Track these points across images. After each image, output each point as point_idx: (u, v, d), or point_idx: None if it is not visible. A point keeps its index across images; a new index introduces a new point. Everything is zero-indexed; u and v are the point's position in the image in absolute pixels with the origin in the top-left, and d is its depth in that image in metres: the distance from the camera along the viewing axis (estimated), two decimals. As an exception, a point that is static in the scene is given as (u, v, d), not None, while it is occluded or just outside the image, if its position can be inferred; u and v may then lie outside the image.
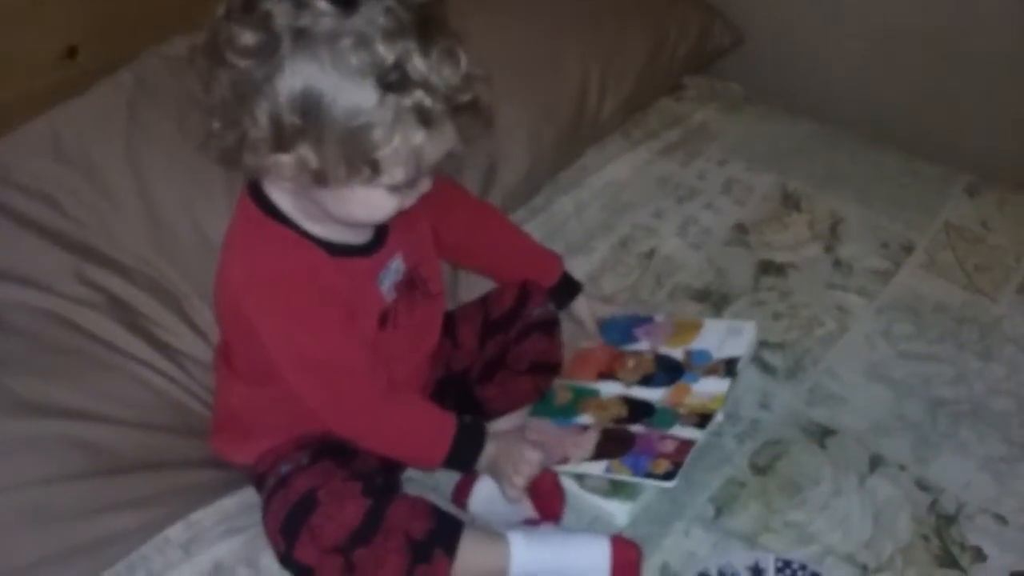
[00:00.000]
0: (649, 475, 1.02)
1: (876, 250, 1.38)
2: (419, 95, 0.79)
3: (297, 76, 0.79)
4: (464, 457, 1.01)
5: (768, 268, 1.36)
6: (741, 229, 1.43)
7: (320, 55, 0.78)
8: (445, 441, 0.99)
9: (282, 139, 0.82)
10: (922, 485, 1.08)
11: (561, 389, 1.19)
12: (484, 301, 1.20)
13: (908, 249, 1.38)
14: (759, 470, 1.10)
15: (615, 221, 1.45)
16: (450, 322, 1.16)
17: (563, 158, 1.49)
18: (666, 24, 1.63)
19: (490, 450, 1.01)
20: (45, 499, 0.98)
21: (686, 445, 1.03)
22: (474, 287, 1.25)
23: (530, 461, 1.00)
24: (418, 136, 0.81)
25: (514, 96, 1.41)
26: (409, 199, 0.90)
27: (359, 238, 0.97)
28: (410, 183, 0.87)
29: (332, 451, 0.99)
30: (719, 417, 1.08)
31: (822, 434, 1.14)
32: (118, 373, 1.08)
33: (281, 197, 0.92)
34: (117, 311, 1.11)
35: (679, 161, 1.55)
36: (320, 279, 0.92)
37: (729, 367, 1.13)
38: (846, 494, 1.08)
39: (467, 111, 0.85)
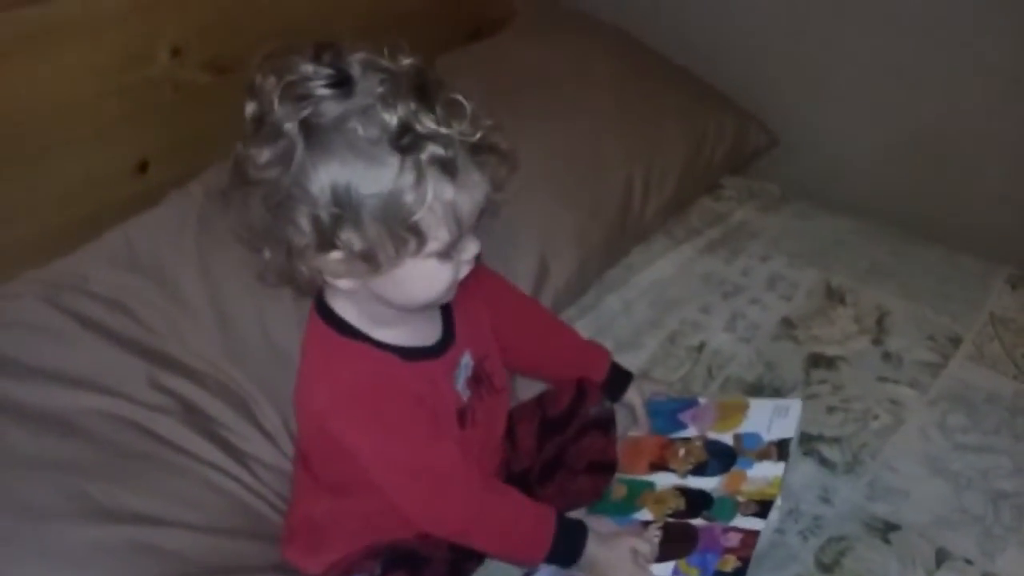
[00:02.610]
0: (717, 574, 1.02)
1: (923, 342, 1.40)
2: (433, 148, 0.82)
3: (320, 170, 0.82)
4: (567, 551, 1.01)
5: (818, 361, 1.38)
6: (788, 324, 1.45)
7: (334, 143, 0.82)
8: (548, 534, 1.00)
9: (324, 235, 0.84)
10: (989, 579, 1.08)
11: (615, 484, 1.20)
12: (541, 400, 1.22)
13: (955, 341, 1.39)
14: (826, 568, 1.10)
15: (663, 317, 1.48)
16: (508, 423, 1.18)
17: (610, 257, 1.53)
18: (703, 127, 1.68)
19: (592, 549, 1.01)
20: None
21: (750, 537, 1.04)
22: (531, 385, 1.28)
23: (642, 557, 1.02)
24: (448, 190, 0.84)
25: (562, 197, 1.46)
26: (464, 267, 0.92)
27: (429, 339, 1.00)
28: (455, 243, 0.88)
29: (403, 560, 1.00)
30: (778, 502, 1.08)
31: (886, 529, 1.14)
32: (190, 477, 1.10)
33: (347, 309, 0.95)
34: (189, 416, 1.14)
35: (722, 258, 1.59)
36: (401, 386, 0.95)
37: (781, 449, 1.14)
38: (914, 590, 1.07)
39: (487, 154, 0.87)
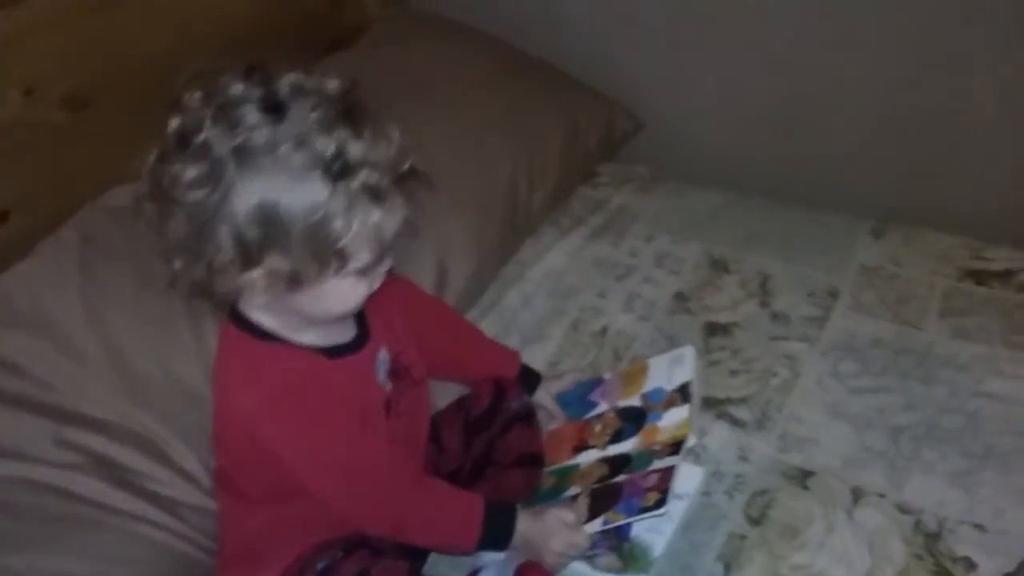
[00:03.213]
0: (642, 510, 1.07)
1: (805, 299, 1.48)
2: (364, 175, 0.83)
3: (249, 192, 0.82)
4: (498, 536, 1.03)
5: (714, 330, 1.44)
6: (681, 297, 1.51)
7: (265, 166, 0.81)
8: (477, 521, 1.02)
9: (249, 255, 0.84)
10: (903, 509, 1.15)
11: (544, 476, 1.22)
12: (462, 403, 1.24)
13: (834, 294, 1.49)
14: (755, 521, 1.16)
15: (563, 306, 1.51)
16: (433, 427, 1.19)
17: (504, 253, 1.56)
18: (575, 118, 1.72)
19: (522, 527, 1.03)
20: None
21: (667, 472, 1.10)
22: (448, 390, 1.28)
23: (570, 523, 1.05)
24: (375, 214, 0.85)
25: (453, 200, 1.46)
26: (377, 280, 0.94)
27: (344, 337, 1.00)
28: (376, 262, 0.90)
29: (363, 544, 1.00)
30: (691, 441, 1.15)
31: (802, 476, 1.21)
32: (113, 532, 1.05)
33: (263, 317, 0.94)
34: (102, 469, 1.09)
35: (609, 243, 1.64)
36: (329, 383, 0.95)
37: (684, 393, 1.21)
38: (838, 529, 1.14)
39: (409, 179, 0.89)
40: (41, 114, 1.34)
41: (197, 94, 0.83)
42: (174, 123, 0.84)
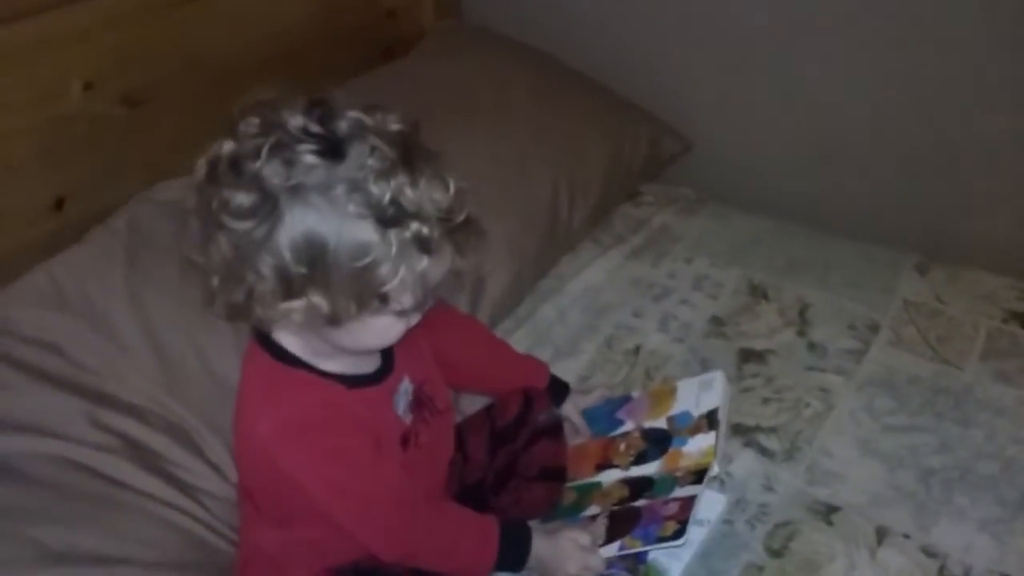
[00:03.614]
0: (660, 539, 1.06)
1: (845, 331, 1.47)
2: (416, 226, 0.82)
3: (297, 227, 0.81)
4: (514, 558, 1.03)
5: (749, 356, 1.43)
6: (717, 321, 1.50)
7: (317, 204, 0.81)
8: (492, 546, 1.02)
9: (290, 288, 0.83)
10: (928, 552, 1.13)
11: (565, 491, 1.22)
12: (489, 412, 1.24)
13: (874, 328, 1.47)
14: (775, 553, 1.14)
15: (598, 323, 1.51)
16: (458, 436, 1.19)
17: (542, 267, 1.56)
18: (621, 136, 1.73)
19: (537, 549, 1.04)
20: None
21: (687, 501, 1.08)
22: (476, 400, 1.29)
23: (585, 546, 1.04)
24: (421, 263, 0.84)
25: (491, 211, 1.45)
26: (415, 318, 0.93)
27: (368, 367, 1.00)
28: (417, 307, 0.90)
29: (377, 570, 1.00)
30: (714, 469, 1.13)
31: (827, 511, 1.19)
32: (140, 515, 1.07)
33: (291, 341, 0.94)
34: (134, 453, 1.11)
35: (649, 263, 1.63)
36: (347, 413, 0.94)
37: (711, 420, 1.19)
38: (860, 568, 1.12)
39: (461, 228, 0.88)
40: (100, 108, 1.38)
41: (255, 122, 0.83)
42: (228, 146, 0.83)
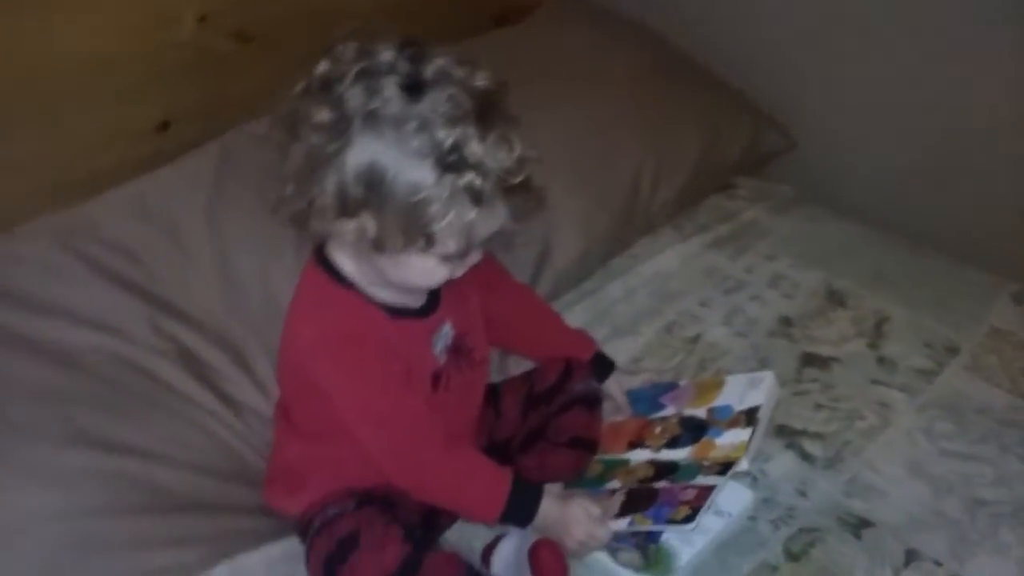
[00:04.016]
0: (669, 522, 1.05)
1: (920, 350, 1.40)
2: (472, 176, 0.86)
3: (364, 152, 0.86)
4: (521, 513, 1.04)
5: (811, 360, 1.39)
6: (786, 322, 1.46)
7: (386, 135, 0.86)
8: (501, 496, 1.03)
9: (346, 207, 0.89)
10: (957, 583, 1.08)
11: (593, 463, 1.22)
12: (529, 375, 1.25)
13: (953, 351, 1.39)
14: (793, 556, 1.11)
15: (662, 307, 1.49)
16: (495, 394, 1.21)
17: (614, 246, 1.55)
18: (719, 126, 1.70)
19: (546, 509, 1.04)
20: (98, 529, 1.03)
21: (705, 491, 1.06)
22: (523, 365, 1.30)
23: (594, 516, 1.04)
24: (471, 213, 0.88)
25: (570, 183, 1.48)
26: (460, 269, 0.97)
27: (415, 302, 1.03)
28: (461, 255, 0.93)
29: (378, 500, 1.03)
30: (743, 465, 1.10)
31: (859, 525, 1.14)
32: (181, 418, 1.14)
33: (345, 262, 0.99)
34: (186, 361, 1.18)
35: (728, 255, 1.60)
36: (382, 338, 0.98)
37: (749, 417, 1.15)
38: (880, 586, 1.08)
39: (519, 192, 0.91)
40: (210, 41, 1.46)
41: (351, 47, 0.89)
42: (322, 66, 0.89)
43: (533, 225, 1.43)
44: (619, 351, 1.38)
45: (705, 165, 1.66)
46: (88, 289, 1.19)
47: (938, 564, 1.10)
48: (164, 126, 1.46)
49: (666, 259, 1.58)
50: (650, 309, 1.49)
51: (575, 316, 1.43)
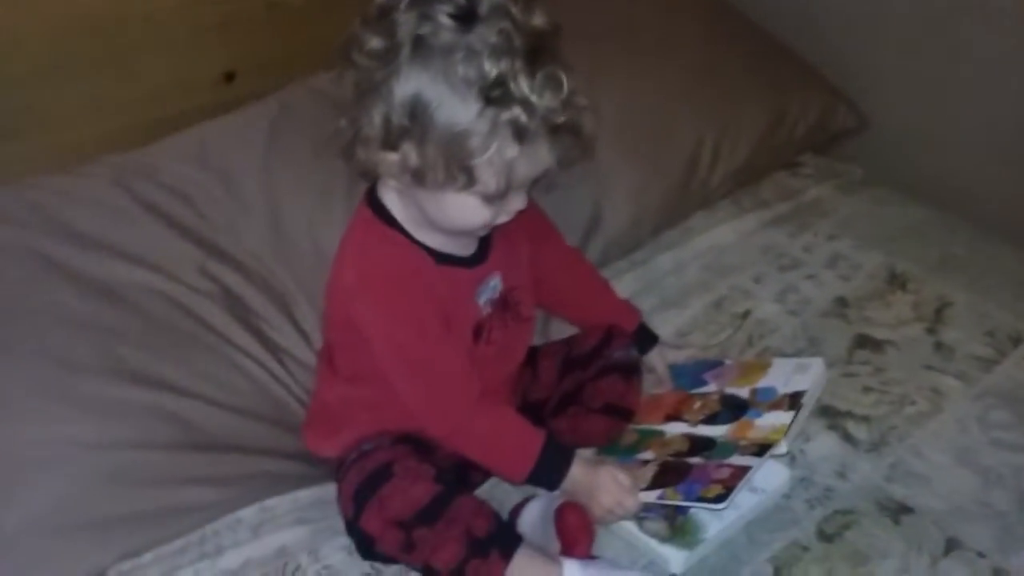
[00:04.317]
0: (700, 499, 1.03)
1: (981, 337, 1.34)
2: (516, 111, 0.85)
3: (410, 82, 0.87)
4: (550, 475, 1.04)
5: (865, 342, 1.34)
6: (842, 303, 1.41)
7: (433, 65, 0.86)
8: (532, 455, 1.02)
9: (390, 137, 0.89)
10: (1000, 574, 1.04)
11: (628, 432, 1.21)
12: (569, 340, 1.24)
13: (1016, 340, 1.33)
14: (826, 537, 1.08)
15: (713, 282, 1.46)
16: (533, 355, 1.21)
17: (669, 217, 1.52)
18: (787, 101, 1.64)
19: (576, 473, 1.03)
20: (130, 462, 1.06)
21: (740, 471, 1.04)
22: (565, 329, 1.29)
23: (623, 484, 1.03)
24: (512, 150, 0.87)
25: (627, 149, 1.46)
26: (503, 215, 0.96)
27: (463, 251, 1.03)
28: (501, 195, 0.92)
29: (414, 441, 1.04)
30: (781, 448, 1.07)
31: (898, 510, 1.11)
32: (222, 359, 1.17)
33: (394, 203, 1.00)
34: (231, 303, 1.21)
35: (787, 232, 1.56)
36: (425, 282, 0.99)
37: (793, 401, 1.13)
38: (915, 573, 1.04)
39: (565, 133, 0.90)
40: (281, -5, 1.48)
41: None
42: None
43: (584, 190, 1.43)
44: (665, 323, 1.36)
45: (769, 141, 1.62)
46: (140, 228, 1.23)
47: (981, 556, 1.05)
48: (229, 77, 1.49)
49: (721, 233, 1.55)
50: (701, 282, 1.46)
51: (624, 285, 1.41)
